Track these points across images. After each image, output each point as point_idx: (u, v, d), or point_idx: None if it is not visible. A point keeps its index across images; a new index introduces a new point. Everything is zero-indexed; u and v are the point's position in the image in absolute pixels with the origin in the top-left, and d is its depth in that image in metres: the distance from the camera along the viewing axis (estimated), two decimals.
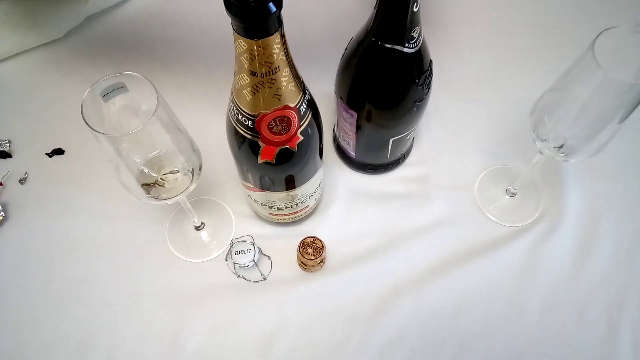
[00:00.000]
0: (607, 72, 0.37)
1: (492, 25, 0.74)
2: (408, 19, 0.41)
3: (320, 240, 0.54)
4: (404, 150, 0.60)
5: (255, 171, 0.47)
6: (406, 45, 0.43)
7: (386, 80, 0.48)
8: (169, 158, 0.45)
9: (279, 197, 0.50)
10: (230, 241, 0.58)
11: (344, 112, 0.53)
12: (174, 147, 0.43)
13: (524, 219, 0.59)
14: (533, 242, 0.58)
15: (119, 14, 0.75)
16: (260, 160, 0.43)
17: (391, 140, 0.55)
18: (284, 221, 0.57)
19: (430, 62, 0.48)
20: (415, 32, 0.43)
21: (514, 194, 0.60)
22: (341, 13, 0.74)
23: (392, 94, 0.49)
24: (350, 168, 0.63)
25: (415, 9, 0.40)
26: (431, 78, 0.49)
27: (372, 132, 0.54)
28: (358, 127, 0.53)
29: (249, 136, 0.41)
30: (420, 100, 0.49)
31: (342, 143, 0.60)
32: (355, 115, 0.51)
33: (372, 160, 0.61)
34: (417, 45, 0.44)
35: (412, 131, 0.55)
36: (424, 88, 0.49)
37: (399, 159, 0.62)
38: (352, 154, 0.60)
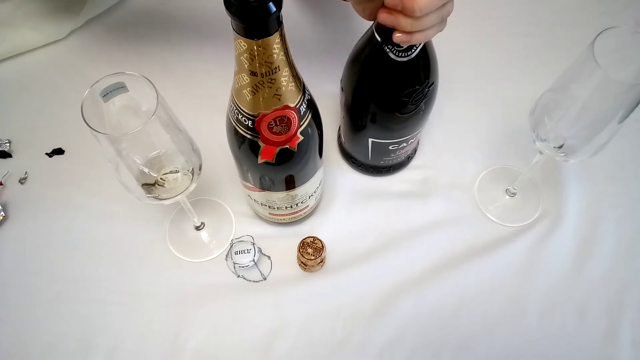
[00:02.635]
0: (607, 72, 0.37)
1: (492, 25, 0.74)
2: None
3: (320, 240, 0.54)
4: (389, 161, 0.59)
5: (255, 171, 0.47)
6: (391, 49, 0.43)
7: (371, 75, 0.47)
8: (169, 158, 0.45)
9: (279, 197, 0.50)
10: (230, 241, 0.58)
11: (340, 91, 0.53)
12: (174, 147, 0.44)
13: (524, 219, 0.59)
14: (533, 242, 0.58)
15: (118, 14, 0.75)
16: (260, 160, 0.43)
17: (370, 141, 0.54)
18: (284, 221, 0.57)
19: (429, 83, 0.47)
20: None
21: (514, 194, 0.60)
22: (342, 13, 0.74)
23: (371, 91, 0.48)
24: (340, 154, 0.63)
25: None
26: (425, 98, 0.48)
27: (352, 122, 0.54)
28: (345, 110, 0.54)
29: (249, 136, 0.41)
30: (403, 113, 0.48)
31: (340, 125, 0.61)
32: (344, 98, 0.52)
33: (355, 154, 0.60)
34: (407, 56, 0.43)
35: (394, 142, 0.54)
36: (410, 103, 0.47)
37: (381, 168, 0.61)
38: (343, 138, 0.61)
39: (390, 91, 0.47)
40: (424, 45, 0.43)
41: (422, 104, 0.48)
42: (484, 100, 0.68)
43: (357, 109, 0.52)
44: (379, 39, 0.43)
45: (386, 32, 0.41)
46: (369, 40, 0.45)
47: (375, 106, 0.49)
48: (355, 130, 0.55)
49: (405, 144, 0.55)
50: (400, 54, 0.43)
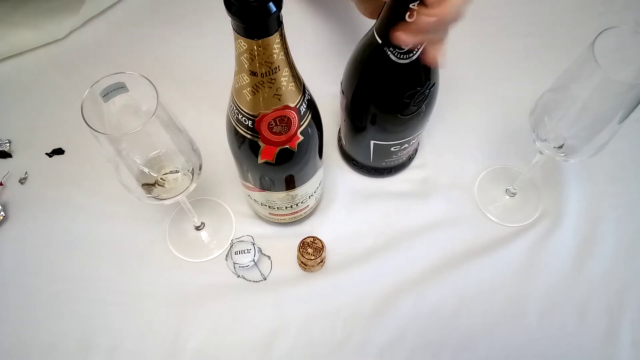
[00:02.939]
0: (607, 72, 0.37)
1: (492, 25, 0.74)
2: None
3: (320, 240, 0.54)
4: (390, 162, 0.59)
5: (255, 171, 0.47)
6: (394, 51, 0.42)
7: (372, 78, 0.47)
8: (169, 158, 0.45)
9: (279, 197, 0.50)
10: (230, 241, 0.58)
11: (340, 94, 0.53)
12: (174, 147, 0.44)
13: (524, 219, 0.59)
14: (533, 242, 0.58)
15: (118, 14, 0.75)
16: (260, 160, 0.43)
17: (372, 143, 0.54)
18: (284, 221, 0.57)
19: (430, 84, 0.47)
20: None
21: (514, 194, 0.60)
22: (343, 12, 0.74)
23: (372, 94, 0.48)
24: (341, 156, 0.63)
25: (408, 20, 0.39)
26: (426, 99, 0.48)
27: (353, 126, 0.54)
28: (346, 113, 0.54)
29: (249, 136, 0.41)
30: (404, 115, 0.48)
31: (341, 127, 0.61)
32: (345, 101, 0.52)
33: (356, 156, 0.60)
34: (408, 58, 0.43)
35: (395, 143, 0.54)
36: (412, 105, 0.47)
37: (383, 170, 0.61)
38: (343, 141, 0.61)
39: (391, 93, 0.47)
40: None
41: (423, 105, 0.48)
42: (484, 100, 0.68)
43: (358, 111, 0.51)
44: (379, 41, 0.43)
45: (386, 34, 0.41)
46: (369, 42, 0.45)
47: (376, 108, 0.49)
48: (357, 132, 0.55)
49: (407, 145, 0.55)
50: (401, 56, 0.43)
